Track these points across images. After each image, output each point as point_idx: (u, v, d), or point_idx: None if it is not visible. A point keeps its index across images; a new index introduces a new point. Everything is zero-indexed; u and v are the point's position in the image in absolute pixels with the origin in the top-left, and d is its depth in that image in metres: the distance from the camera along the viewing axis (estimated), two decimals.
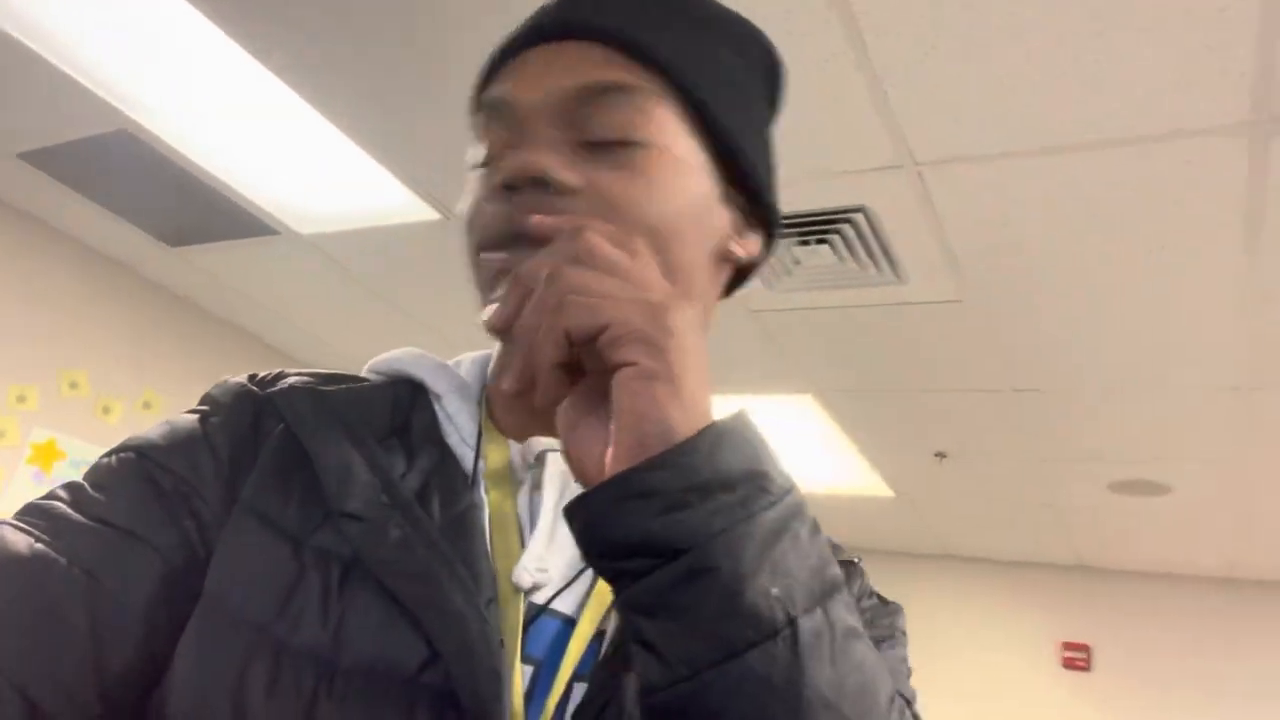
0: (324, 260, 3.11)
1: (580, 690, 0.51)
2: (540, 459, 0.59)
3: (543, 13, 0.59)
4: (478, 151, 0.58)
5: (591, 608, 0.54)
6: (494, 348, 0.65)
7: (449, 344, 2.56)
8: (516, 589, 0.53)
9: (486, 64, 0.61)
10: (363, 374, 0.67)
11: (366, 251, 2.99)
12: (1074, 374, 2.83)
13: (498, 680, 0.48)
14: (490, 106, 0.57)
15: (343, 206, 2.74)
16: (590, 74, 0.54)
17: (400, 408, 0.61)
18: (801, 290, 2.66)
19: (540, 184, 0.52)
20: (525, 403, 0.48)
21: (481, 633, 0.48)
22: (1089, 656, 4.38)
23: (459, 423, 0.61)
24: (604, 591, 0.55)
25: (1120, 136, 1.86)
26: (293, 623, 0.49)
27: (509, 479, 0.59)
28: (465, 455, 0.59)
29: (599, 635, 0.53)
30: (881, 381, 3.17)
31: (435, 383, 0.63)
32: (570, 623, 0.54)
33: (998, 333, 2.68)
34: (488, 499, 0.57)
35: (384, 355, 0.67)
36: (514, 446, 0.60)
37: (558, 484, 0.58)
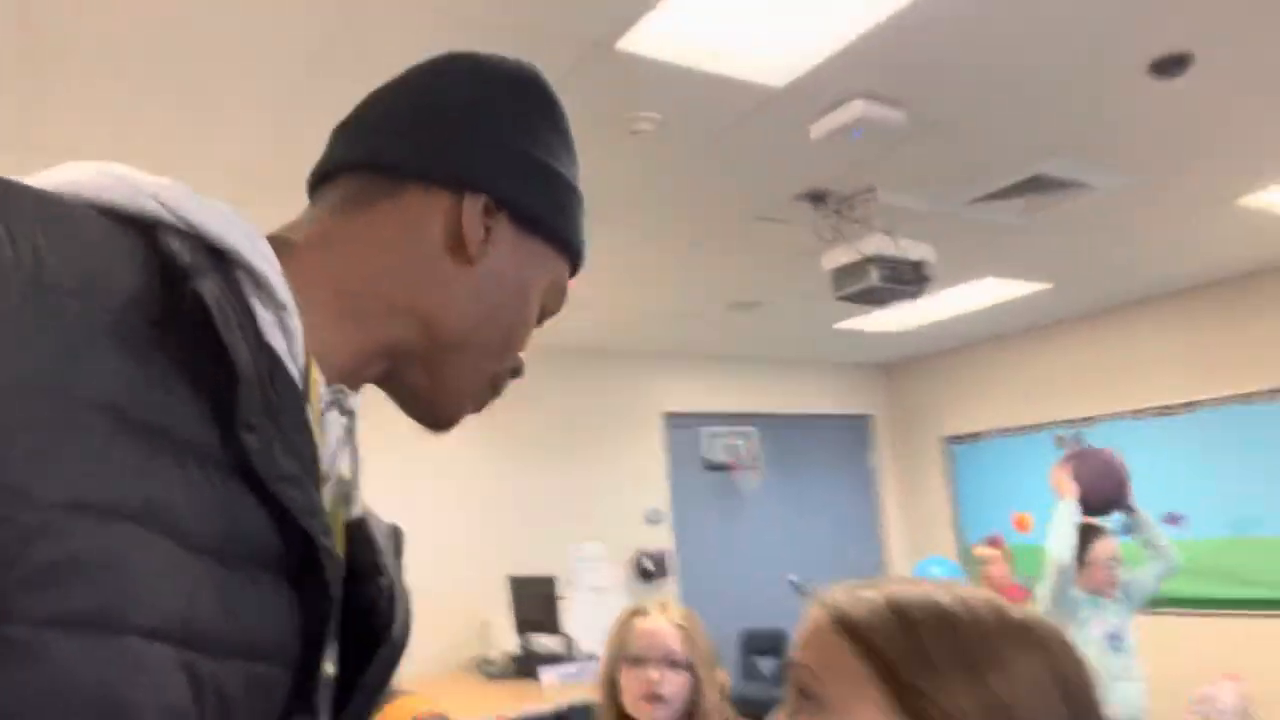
0: None
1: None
2: (341, 390, 0.64)
3: (581, 251, 0.77)
4: (557, 289, 0.76)
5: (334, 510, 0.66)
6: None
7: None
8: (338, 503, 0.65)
9: (579, 229, 0.76)
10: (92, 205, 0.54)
11: None
12: None
13: (341, 571, 0.61)
14: (562, 294, 0.77)
15: None
16: None
17: (228, 291, 0.55)
18: None
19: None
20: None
21: (332, 531, 0.59)
22: None
23: (297, 341, 0.58)
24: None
25: None
26: (196, 524, 0.50)
27: (319, 408, 0.62)
28: (292, 369, 0.57)
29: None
30: None
31: (275, 281, 0.57)
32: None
33: None
34: (313, 421, 0.59)
35: (176, 196, 0.55)
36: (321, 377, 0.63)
37: (336, 417, 0.65)
